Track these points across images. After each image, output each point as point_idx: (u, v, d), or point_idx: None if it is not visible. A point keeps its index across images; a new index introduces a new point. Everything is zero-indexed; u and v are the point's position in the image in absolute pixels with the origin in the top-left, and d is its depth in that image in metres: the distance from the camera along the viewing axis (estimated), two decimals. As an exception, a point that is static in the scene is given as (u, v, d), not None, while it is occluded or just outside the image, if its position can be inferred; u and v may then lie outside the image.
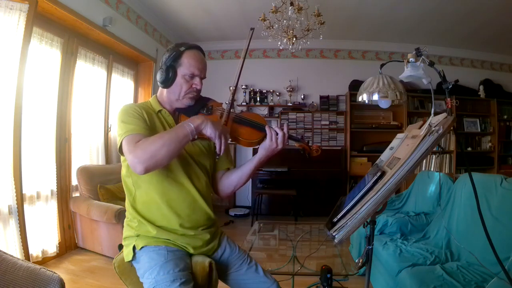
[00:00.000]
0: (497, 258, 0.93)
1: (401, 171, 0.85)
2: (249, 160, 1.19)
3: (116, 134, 1.16)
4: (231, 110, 1.16)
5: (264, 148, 1.13)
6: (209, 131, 1.02)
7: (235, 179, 1.22)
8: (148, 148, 0.94)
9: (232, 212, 4.59)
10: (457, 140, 4.53)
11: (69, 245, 2.90)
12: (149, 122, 1.09)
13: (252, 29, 1.21)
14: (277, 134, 1.11)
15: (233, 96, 1.21)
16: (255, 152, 2.82)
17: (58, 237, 2.78)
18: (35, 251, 2.49)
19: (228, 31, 4.61)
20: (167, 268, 1.02)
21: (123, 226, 1.20)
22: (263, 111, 4.95)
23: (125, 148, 0.99)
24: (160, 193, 1.10)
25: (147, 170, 0.94)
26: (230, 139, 1.22)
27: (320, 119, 4.83)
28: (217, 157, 1.20)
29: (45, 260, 2.56)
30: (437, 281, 1.50)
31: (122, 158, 1.12)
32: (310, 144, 1.21)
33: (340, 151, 4.68)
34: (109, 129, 3.57)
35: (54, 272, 1.22)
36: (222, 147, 1.03)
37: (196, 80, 1.15)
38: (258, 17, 3.17)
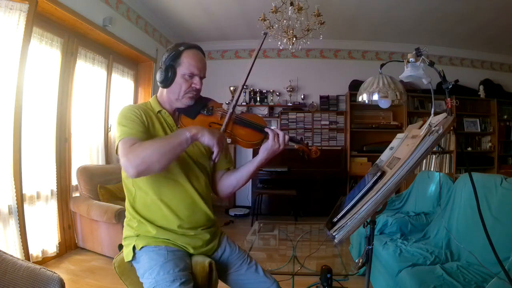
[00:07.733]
0: (497, 258, 0.93)
1: (401, 171, 0.85)
2: (249, 162, 1.19)
3: (115, 135, 1.16)
4: (232, 111, 1.16)
5: (266, 149, 1.13)
6: (206, 139, 1.01)
7: (235, 180, 1.22)
8: (141, 153, 0.94)
9: (232, 212, 4.59)
10: (457, 140, 4.53)
11: (69, 245, 2.90)
12: (148, 124, 1.09)
13: (265, 33, 1.22)
14: (278, 134, 1.13)
15: (238, 97, 1.20)
16: (255, 151, 2.81)
17: (58, 237, 2.78)
18: (35, 251, 2.49)
19: (228, 31, 4.62)
20: (167, 268, 1.02)
21: (123, 226, 1.20)
22: (263, 111, 4.95)
23: (120, 151, 0.99)
24: (160, 194, 1.10)
25: (139, 175, 0.94)
26: (230, 141, 1.22)
27: (320, 119, 4.83)
28: (212, 163, 1.17)
29: (45, 260, 2.56)
30: (437, 281, 1.50)
31: None
32: (310, 146, 1.21)
33: (340, 151, 4.68)
34: (109, 129, 3.57)
35: (54, 272, 1.22)
36: (219, 155, 1.04)
37: (196, 79, 1.15)
38: (258, 17, 3.17)
